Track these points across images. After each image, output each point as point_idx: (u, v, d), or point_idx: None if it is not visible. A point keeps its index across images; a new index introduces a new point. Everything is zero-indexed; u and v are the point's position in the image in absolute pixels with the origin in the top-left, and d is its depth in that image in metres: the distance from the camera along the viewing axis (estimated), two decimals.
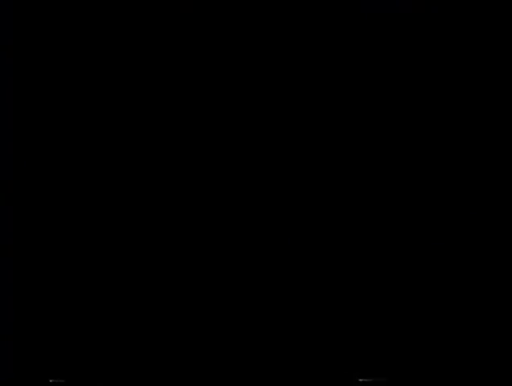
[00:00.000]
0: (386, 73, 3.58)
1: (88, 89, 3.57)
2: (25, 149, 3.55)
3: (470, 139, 3.56)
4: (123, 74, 3.57)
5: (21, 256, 3.52)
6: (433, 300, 3.49)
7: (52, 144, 3.56)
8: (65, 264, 3.52)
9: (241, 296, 3.51)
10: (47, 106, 3.56)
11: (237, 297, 3.52)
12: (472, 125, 3.56)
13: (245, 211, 3.55)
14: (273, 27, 3.57)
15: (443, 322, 3.48)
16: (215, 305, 3.52)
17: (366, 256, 3.51)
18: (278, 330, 3.50)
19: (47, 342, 3.51)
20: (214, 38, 3.58)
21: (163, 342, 3.51)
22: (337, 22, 3.56)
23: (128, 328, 3.51)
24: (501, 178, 3.53)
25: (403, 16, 3.55)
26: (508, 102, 3.55)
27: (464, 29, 3.57)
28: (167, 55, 3.58)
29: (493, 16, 3.56)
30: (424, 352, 3.47)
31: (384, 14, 3.53)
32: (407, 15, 3.55)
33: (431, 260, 3.50)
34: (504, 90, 3.55)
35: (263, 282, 3.52)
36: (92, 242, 3.53)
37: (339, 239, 3.51)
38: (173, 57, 3.57)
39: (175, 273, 3.52)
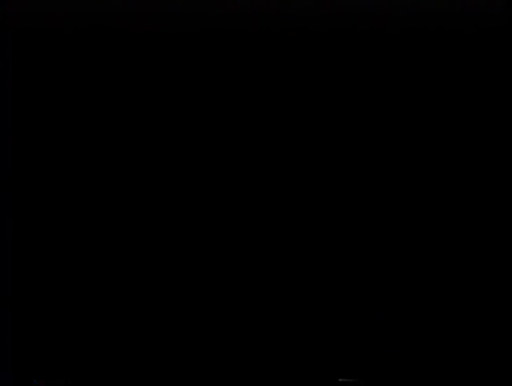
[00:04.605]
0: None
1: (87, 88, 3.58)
2: (23, 150, 3.56)
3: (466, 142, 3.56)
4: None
5: (20, 256, 3.53)
6: (420, 302, 3.49)
7: (51, 145, 3.57)
8: (64, 264, 3.53)
9: (226, 298, 3.52)
10: (43, 107, 3.57)
11: (222, 298, 3.53)
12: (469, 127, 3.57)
13: (245, 213, 3.55)
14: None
15: (429, 324, 3.49)
16: (210, 306, 3.53)
17: (360, 256, 3.51)
18: (261, 330, 3.50)
19: (46, 341, 3.52)
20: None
21: (162, 343, 3.51)
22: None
23: (127, 328, 3.52)
24: (499, 180, 3.54)
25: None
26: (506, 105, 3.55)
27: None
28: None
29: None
30: (408, 354, 3.47)
31: None
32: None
33: (420, 261, 3.51)
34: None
35: (250, 284, 3.53)
36: (91, 243, 3.54)
37: (327, 239, 3.52)
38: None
39: (174, 273, 3.53)
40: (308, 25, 3.57)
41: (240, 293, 3.52)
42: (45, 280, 3.53)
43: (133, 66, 3.58)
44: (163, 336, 3.51)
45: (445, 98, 3.58)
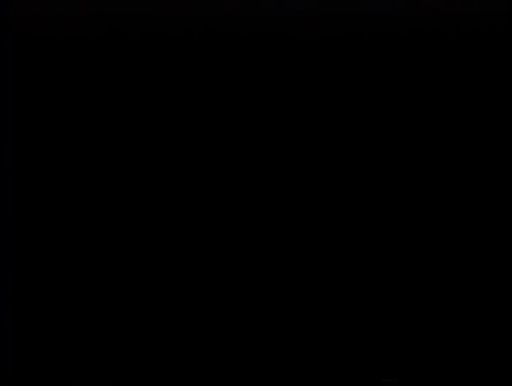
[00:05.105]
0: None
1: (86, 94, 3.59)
2: (24, 152, 3.57)
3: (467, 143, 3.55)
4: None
5: (20, 255, 3.54)
6: (447, 301, 3.48)
7: (51, 146, 3.57)
8: (64, 264, 3.53)
9: (257, 297, 3.52)
10: (43, 107, 3.58)
11: (253, 298, 3.52)
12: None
13: (245, 213, 3.55)
14: None
15: (456, 324, 3.47)
16: (218, 307, 3.52)
17: (379, 258, 3.50)
18: (296, 333, 3.49)
19: (46, 342, 3.52)
20: None
21: (162, 343, 3.51)
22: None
23: (127, 328, 3.52)
24: (499, 181, 3.52)
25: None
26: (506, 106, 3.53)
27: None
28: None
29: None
30: (440, 353, 3.46)
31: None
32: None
33: (440, 263, 3.49)
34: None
35: (273, 284, 3.52)
36: (92, 243, 3.54)
37: (357, 242, 3.51)
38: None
39: (175, 273, 3.53)
40: (309, 26, 3.57)
41: (273, 295, 3.52)
42: (45, 279, 3.54)
43: (134, 69, 3.58)
44: (165, 336, 3.51)
45: (445, 99, 3.56)
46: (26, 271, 3.53)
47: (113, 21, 3.57)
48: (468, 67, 3.56)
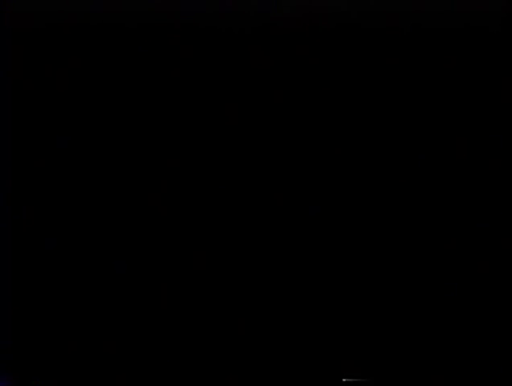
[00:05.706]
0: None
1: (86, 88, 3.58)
2: (23, 150, 3.56)
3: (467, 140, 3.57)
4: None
5: (19, 255, 3.53)
6: (420, 300, 3.49)
7: (50, 145, 3.57)
8: (63, 263, 3.53)
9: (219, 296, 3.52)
10: (44, 106, 3.57)
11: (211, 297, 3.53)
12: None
13: (244, 211, 3.55)
14: None
15: (430, 323, 3.49)
16: (208, 305, 3.53)
17: (355, 255, 3.52)
18: (261, 329, 3.50)
19: (46, 342, 3.51)
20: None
21: (162, 343, 3.51)
22: None
23: (127, 328, 3.52)
24: (500, 180, 3.54)
25: None
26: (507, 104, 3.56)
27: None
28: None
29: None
30: (410, 353, 3.47)
31: None
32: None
33: (416, 260, 3.51)
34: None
35: (247, 282, 3.53)
36: (90, 242, 3.54)
37: (324, 238, 3.52)
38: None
39: (174, 273, 3.53)
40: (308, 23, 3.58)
41: (239, 291, 3.52)
42: (45, 280, 3.53)
43: (135, 66, 3.58)
44: (164, 336, 3.52)
45: (444, 99, 3.58)
46: (26, 268, 3.52)
47: (112, 17, 3.57)
48: (468, 67, 3.58)
